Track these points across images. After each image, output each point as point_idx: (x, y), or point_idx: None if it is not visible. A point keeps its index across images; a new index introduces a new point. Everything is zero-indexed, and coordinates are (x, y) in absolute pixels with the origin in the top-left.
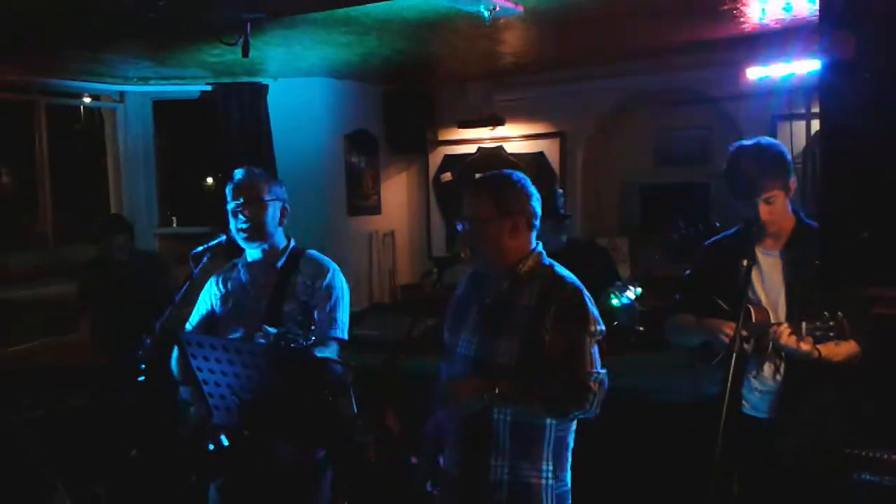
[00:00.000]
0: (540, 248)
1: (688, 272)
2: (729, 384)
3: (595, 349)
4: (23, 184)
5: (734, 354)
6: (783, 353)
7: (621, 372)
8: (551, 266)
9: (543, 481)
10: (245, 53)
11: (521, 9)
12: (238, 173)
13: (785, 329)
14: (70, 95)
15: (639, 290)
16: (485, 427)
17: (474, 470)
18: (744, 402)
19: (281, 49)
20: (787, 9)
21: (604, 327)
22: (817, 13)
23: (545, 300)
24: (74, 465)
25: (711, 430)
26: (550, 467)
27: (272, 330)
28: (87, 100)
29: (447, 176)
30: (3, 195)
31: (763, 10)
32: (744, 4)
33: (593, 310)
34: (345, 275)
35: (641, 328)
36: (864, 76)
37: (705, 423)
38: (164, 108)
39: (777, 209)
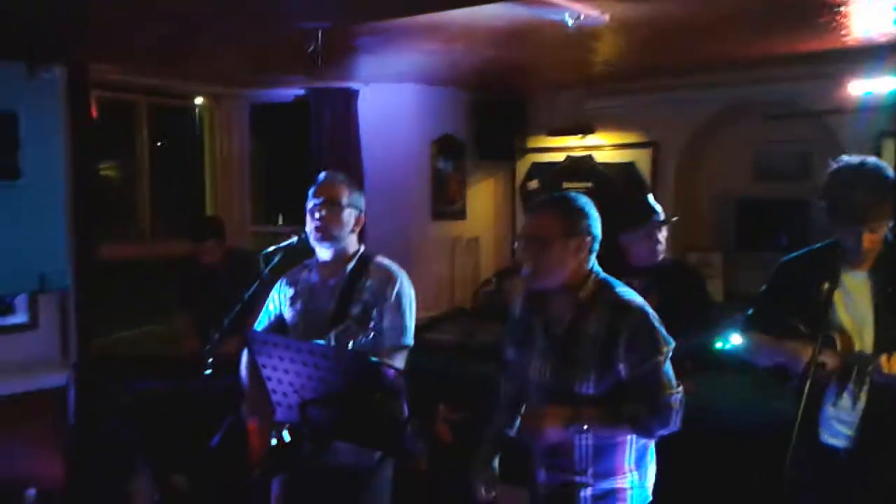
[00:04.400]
0: (597, 269)
1: (763, 287)
2: (800, 412)
3: (669, 367)
4: (125, 180)
5: (809, 382)
6: (867, 382)
7: (699, 392)
8: (612, 289)
9: (629, 489)
10: (318, 62)
11: (605, 18)
12: (322, 175)
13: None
14: (171, 96)
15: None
16: (567, 451)
17: (560, 489)
18: (822, 430)
19: (371, 55)
20: None
21: (673, 342)
22: None
23: (613, 329)
24: (159, 453)
25: (784, 459)
26: (635, 475)
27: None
28: (194, 101)
29: (534, 184)
30: (106, 190)
31: (867, 24)
32: (844, 17)
33: (661, 329)
34: (427, 278)
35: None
36: None
37: (779, 450)
38: (265, 111)
39: (879, 237)
